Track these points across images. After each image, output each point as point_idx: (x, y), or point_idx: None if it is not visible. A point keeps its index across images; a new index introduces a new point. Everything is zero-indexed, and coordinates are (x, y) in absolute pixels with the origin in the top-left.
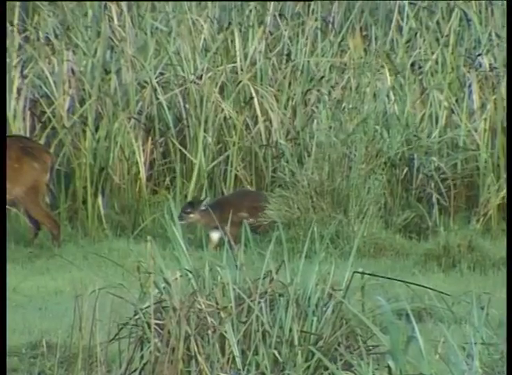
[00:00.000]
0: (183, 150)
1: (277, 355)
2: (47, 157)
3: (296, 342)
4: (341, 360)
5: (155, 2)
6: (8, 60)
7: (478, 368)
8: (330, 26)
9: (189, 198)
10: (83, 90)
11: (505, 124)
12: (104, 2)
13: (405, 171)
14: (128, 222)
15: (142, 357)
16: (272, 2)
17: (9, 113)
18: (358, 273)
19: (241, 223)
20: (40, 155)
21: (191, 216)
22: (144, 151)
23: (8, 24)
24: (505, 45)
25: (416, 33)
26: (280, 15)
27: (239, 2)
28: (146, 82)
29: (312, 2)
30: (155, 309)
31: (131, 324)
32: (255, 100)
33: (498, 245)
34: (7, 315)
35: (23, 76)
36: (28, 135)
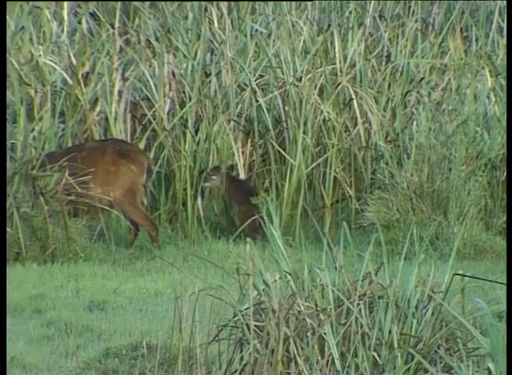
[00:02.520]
0: (282, 152)
1: (376, 357)
2: (143, 159)
3: (395, 344)
4: (441, 363)
5: (256, 5)
6: (109, 63)
7: None
8: (430, 27)
9: (288, 201)
10: (183, 92)
11: None
12: (204, 4)
13: (505, 173)
14: (227, 224)
15: (241, 359)
16: (372, 2)
17: (110, 116)
18: (458, 275)
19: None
20: (136, 157)
21: (213, 177)
22: (243, 153)
23: (109, 27)
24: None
25: None
26: (380, 16)
27: (338, 3)
28: (245, 84)
29: (413, 3)
30: (254, 311)
31: (230, 326)
32: (354, 102)
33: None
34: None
35: (124, 79)
36: (129, 138)
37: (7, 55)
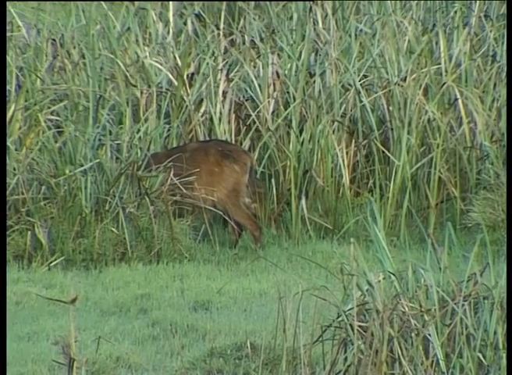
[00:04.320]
0: (387, 152)
1: (482, 358)
2: (246, 159)
3: (500, 345)
4: None
5: (360, 5)
6: (213, 64)
7: None
8: None
9: (392, 201)
10: (288, 93)
11: None
12: (309, 5)
13: None
14: (331, 224)
15: (345, 359)
16: (478, 2)
17: (214, 116)
18: None
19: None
20: (239, 157)
21: None
22: (347, 153)
23: (214, 28)
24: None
25: None
26: (485, 16)
27: (444, 3)
28: (350, 85)
29: None
30: (358, 311)
31: (334, 326)
32: (459, 101)
33: None
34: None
35: (229, 80)
36: (233, 138)
37: (113, 56)
